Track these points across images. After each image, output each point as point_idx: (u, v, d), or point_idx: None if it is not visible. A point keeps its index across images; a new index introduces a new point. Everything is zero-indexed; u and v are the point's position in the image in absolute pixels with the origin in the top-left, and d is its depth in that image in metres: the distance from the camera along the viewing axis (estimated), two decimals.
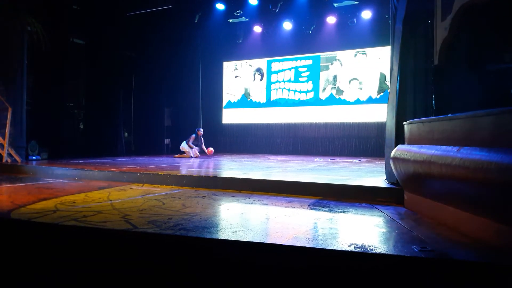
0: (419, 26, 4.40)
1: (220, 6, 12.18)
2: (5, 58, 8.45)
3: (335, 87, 12.79)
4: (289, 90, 13.58)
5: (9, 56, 8.53)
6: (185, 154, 10.87)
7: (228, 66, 14.80)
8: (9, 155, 7.90)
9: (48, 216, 3.19)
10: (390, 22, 5.07)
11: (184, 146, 10.91)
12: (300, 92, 13.37)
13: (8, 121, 8.00)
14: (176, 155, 11.05)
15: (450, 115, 2.90)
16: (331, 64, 12.86)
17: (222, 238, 2.58)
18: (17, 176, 6.53)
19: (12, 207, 3.59)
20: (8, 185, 5.33)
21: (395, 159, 3.78)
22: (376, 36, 11.68)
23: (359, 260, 2.21)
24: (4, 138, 7.85)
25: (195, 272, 2.37)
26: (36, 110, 10.02)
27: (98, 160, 8.59)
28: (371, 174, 5.77)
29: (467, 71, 3.98)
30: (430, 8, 4.22)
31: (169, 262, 2.46)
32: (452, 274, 1.99)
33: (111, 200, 4.07)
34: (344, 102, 12.62)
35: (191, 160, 9.77)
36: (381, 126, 11.10)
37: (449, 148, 2.72)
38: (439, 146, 2.93)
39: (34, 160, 8.80)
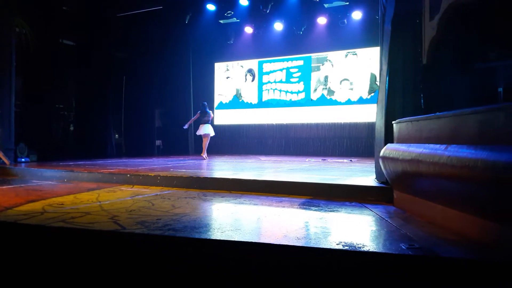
0: (408, 26, 4.42)
1: (210, 7, 12.18)
2: None
3: (326, 88, 12.83)
4: (280, 90, 13.60)
5: None
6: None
7: (220, 67, 14.78)
8: None
9: (35, 218, 3.15)
10: (379, 22, 5.10)
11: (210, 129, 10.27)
12: (292, 92, 13.39)
13: None
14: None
15: (437, 113, 2.92)
16: (322, 64, 12.90)
17: (211, 238, 2.56)
18: (5, 179, 6.45)
19: None
20: None
21: (384, 158, 3.80)
22: (366, 36, 11.74)
23: (348, 258, 2.21)
24: None
25: (184, 273, 2.36)
26: (25, 111, 9.93)
27: (88, 162, 8.51)
28: (362, 174, 5.79)
29: (455, 70, 4.00)
30: (419, 8, 4.25)
31: (158, 262, 2.44)
32: (439, 271, 2.00)
33: (100, 202, 4.03)
34: (335, 103, 12.67)
35: (186, 160, 9.57)
36: (372, 126, 11.14)
37: (437, 146, 2.73)
38: (427, 144, 2.94)
39: (23, 162, 8.70)
